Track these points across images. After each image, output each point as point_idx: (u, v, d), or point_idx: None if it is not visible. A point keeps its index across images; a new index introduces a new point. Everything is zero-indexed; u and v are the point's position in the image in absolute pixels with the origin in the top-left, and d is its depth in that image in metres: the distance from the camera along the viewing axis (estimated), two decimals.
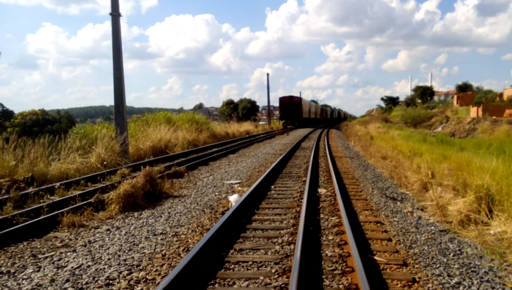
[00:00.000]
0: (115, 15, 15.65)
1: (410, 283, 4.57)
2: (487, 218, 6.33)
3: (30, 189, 9.55)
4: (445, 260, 5.29)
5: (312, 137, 31.79)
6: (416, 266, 5.12)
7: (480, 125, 36.79)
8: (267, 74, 62.31)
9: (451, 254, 5.49)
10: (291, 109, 54.06)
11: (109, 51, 15.68)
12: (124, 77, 15.87)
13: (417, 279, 4.69)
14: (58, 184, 9.84)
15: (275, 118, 79.64)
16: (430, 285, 4.55)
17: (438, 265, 5.13)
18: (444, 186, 8.35)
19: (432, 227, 6.73)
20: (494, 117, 39.06)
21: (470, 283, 4.58)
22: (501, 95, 53.71)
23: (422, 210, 7.92)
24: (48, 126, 52.30)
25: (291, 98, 56.58)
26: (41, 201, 8.85)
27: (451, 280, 4.67)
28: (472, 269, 4.98)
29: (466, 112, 50.10)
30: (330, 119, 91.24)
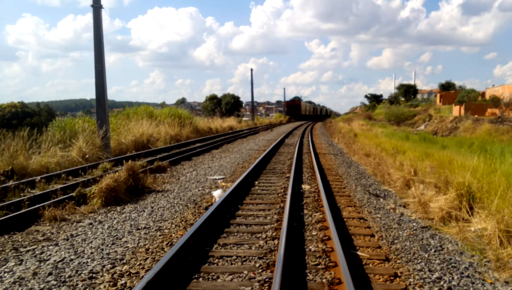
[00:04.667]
0: (97, 7, 15.43)
1: (392, 278, 4.63)
2: (468, 215, 6.44)
3: (10, 183, 9.39)
4: (426, 255, 5.37)
5: (296, 134, 31.88)
6: (398, 261, 5.18)
7: (462, 124, 37.26)
8: (251, 70, 62.38)
9: (432, 250, 5.57)
10: (294, 108, 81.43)
11: (90, 43, 15.52)
12: (106, 70, 15.69)
13: (399, 274, 4.75)
14: (38, 177, 9.70)
15: (258, 114, 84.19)
16: (411, 279, 4.61)
17: (420, 260, 5.20)
18: (426, 184, 8.45)
19: (414, 224, 6.82)
20: (476, 116, 39.61)
21: (450, 278, 4.66)
22: (483, 94, 54.41)
23: (404, 207, 8.01)
24: (28, 119, 51.26)
25: (293, 101, 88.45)
26: (22, 194, 8.71)
27: (432, 275, 4.74)
28: (453, 264, 5.06)
29: (448, 110, 50.66)
30: (319, 116, 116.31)
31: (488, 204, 6.24)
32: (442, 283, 4.54)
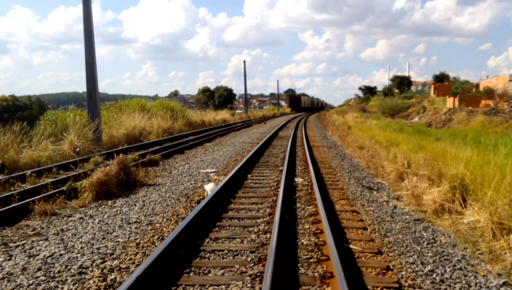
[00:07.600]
0: None
1: (384, 271, 4.60)
2: (461, 207, 6.42)
3: (0, 177, 9.28)
4: (419, 248, 5.34)
5: (289, 126, 31.83)
6: (391, 254, 5.16)
7: (456, 116, 37.31)
8: (244, 62, 62.33)
9: (425, 243, 5.55)
10: (295, 102, 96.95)
11: (82, 35, 15.30)
12: (98, 63, 15.56)
13: (391, 267, 4.72)
14: (29, 171, 9.60)
15: (252, 106, 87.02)
16: (403, 272, 4.58)
17: (412, 253, 5.18)
18: (419, 176, 8.43)
19: (407, 216, 6.80)
20: (470, 108, 39.66)
21: (443, 271, 4.64)
22: (477, 85, 54.44)
23: (397, 199, 8.00)
24: (19, 112, 50.98)
25: (295, 96, 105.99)
26: (12, 188, 8.62)
27: (425, 268, 4.72)
28: (445, 257, 5.04)
29: (442, 102, 50.71)
30: (316, 108, 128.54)
31: (481, 196, 6.22)
32: (434, 275, 4.51)
